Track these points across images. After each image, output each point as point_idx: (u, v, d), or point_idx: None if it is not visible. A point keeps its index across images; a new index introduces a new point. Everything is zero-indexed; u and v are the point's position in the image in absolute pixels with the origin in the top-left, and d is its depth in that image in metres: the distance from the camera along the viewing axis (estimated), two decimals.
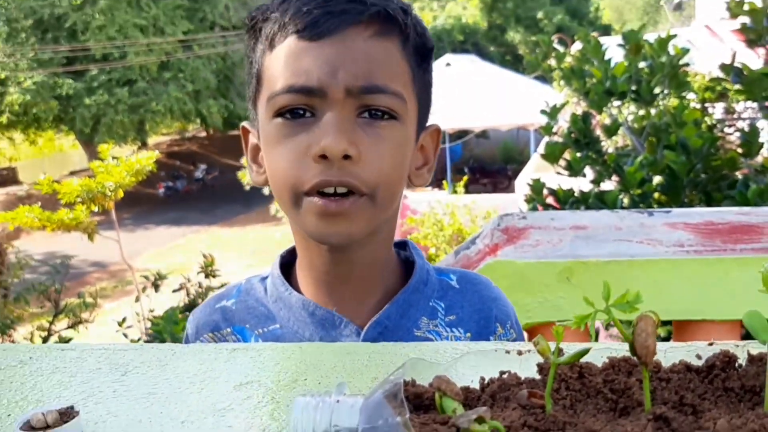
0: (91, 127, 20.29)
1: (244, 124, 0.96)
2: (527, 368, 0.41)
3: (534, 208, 3.59)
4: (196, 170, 21.33)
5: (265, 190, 13.81)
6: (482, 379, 0.42)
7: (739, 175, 3.44)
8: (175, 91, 20.24)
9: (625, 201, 3.42)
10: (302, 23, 0.79)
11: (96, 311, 6.85)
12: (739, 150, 3.50)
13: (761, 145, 3.51)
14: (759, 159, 3.47)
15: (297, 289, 0.91)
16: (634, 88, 3.91)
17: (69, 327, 6.10)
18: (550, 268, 1.26)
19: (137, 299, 6.62)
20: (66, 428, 0.54)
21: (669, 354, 0.42)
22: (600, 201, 3.41)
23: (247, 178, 13.85)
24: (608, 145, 4.27)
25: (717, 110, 4.25)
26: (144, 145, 23.04)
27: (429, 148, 0.94)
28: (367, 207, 0.80)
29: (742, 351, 0.41)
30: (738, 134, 3.50)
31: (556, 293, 1.27)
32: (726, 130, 3.84)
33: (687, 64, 4.18)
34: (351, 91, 0.78)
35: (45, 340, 5.69)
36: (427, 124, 0.93)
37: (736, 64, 3.50)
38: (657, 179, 3.45)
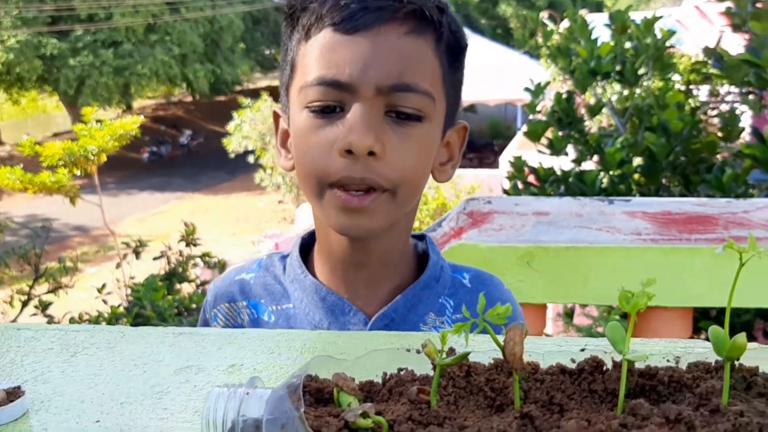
0: (75, 89, 20.02)
1: (276, 109, 0.97)
2: (428, 365, 0.44)
3: (515, 186, 3.62)
4: (181, 136, 21.14)
5: (250, 159, 13.77)
6: (384, 374, 0.45)
7: (719, 158, 3.48)
8: (161, 54, 19.97)
9: (605, 181, 3.45)
10: (339, 16, 0.80)
11: (77, 276, 6.84)
12: (720, 134, 3.53)
13: (741, 130, 3.54)
14: (739, 144, 3.50)
15: (313, 272, 0.94)
16: (618, 68, 3.90)
17: (49, 291, 6.09)
18: (511, 252, 1.28)
19: (118, 266, 6.62)
20: (11, 407, 0.56)
21: (547, 357, 0.45)
22: (580, 181, 3.44)
23: (232, 145, 13.79)
24: (591, 125, 4.28)
25: (702, 92, 4.26)
26: (129, 108, 22.79)
27: (455, 144, 0.95)
28: (387, 203, 0.82)
29: (609, 357, 0.43)
30: (719, 118, 3.53)
31: (516, 277, 1.29)
32: (710, 113, 3.86)
33: (672, 46, 4.18)
34: (381, 89, 0.79)
35: (24, 304, 5.68)
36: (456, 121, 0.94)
37: (719, 49, 3.51)
38: (637, 161, 3.48)
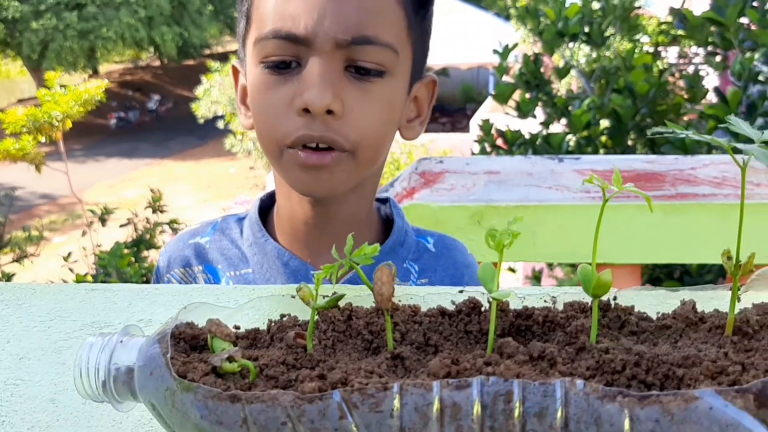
0: (39, 53, 19.49)
1: (235, 63, 0.92)
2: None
3: (483, 149, 3.61)
4: (149, 101, 20.76)
5: (220, 125, 13.60)
6: (269, 321, 0.43)
7: (685, 120, 3.50)
8: (126, 16, 19.47)
9: (572, 144, 3.46)
10: None
11: (44, 245, 6.73)
12: (686, 96, 3.55)
13: (706, 91, 3.55)
14: (703, 105, 3.52)
15: (273, 235, 0.90)
16: (586, 29, 3.88)
17: (14, 261, 6.00)
18: (463, 211, 1.28)
19: (84, 233, 6.53)
20: None
21: (428, 298, 0.44)
22: (547, 143, 3.44)
23: (201, 110, 13.58)
24: (559, 88, 4.28)
25: (672, 54, 4.26)
26: (95, 73, 22.27)
27: (423, 99, 0.91)
28: (348, 163, 0.78)
29: (486, 299, 0.43)
30: (684, 80, 3.54)
31: (467, 235, 1.29)
32: (677, 74, 3.87)
33: (640, 7, 4.16)
34: (339, 43, 0.74)
35: None
36: (424, 74, 0.89)
37: (684, 9, 3.50)
38: (604, 123, 3.49)
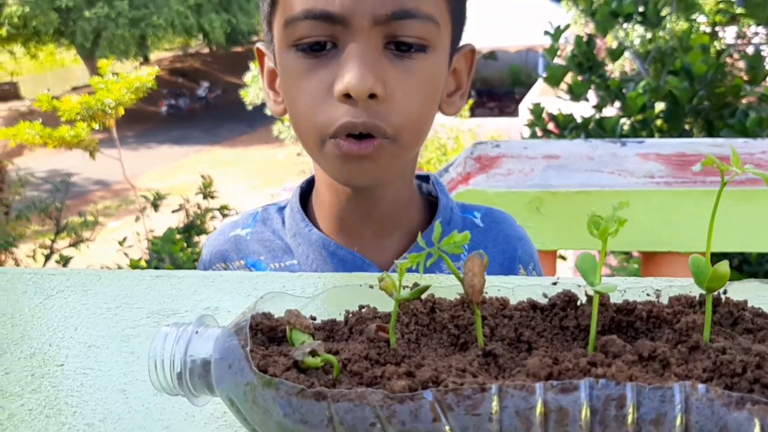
0: (92, 41, 19.92)
1: (259, 45, 0.87)
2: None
3: (534, 134, 3.55)
4: (198, 88, 21.06)
5: (268, 111, 13.69)
6: (347, 312, 0.41)
7: (744, 102, 3.36)
8: (176, 4, 19.73)
9: (626, 128, 3.36)
10: None
11: (99, 230, 6.91)
12: (745, 77, 3.41)
13: (767, 73, 3.41)
14: (764, 87, 3.38)
15: (315, 223, 0.86)
16: (641, 9, 3.76)
17: (71, 245, 6.17)
18: (520, 197, 1.24)
19: (137, 219, 6.67)
20: None
21: (517, 291, 0.41)
22: (600, 127, 3.35)
23: (249, 97, 13.70)
24: (613, 70, 4.16)
25: (729, 34, 4.10)
26: (146, 60, 22.68)
27: (462, 70, 0.85)
28: (391, 149, 0.74)
29: (583, 291, 0.39)
30: (744, 60, 3.40)
31: (524, 222, 1.25)
32: (735, 55, 3.72)
33: None
34: (378, 19, 0.69)
35: (47, 258, 5.76)
36: (461, 44, 0.84)
37: None
38: (659, 106, 3.38)
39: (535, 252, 0.94)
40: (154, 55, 24.92)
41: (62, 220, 6.33)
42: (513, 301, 0.41)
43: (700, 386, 0.28)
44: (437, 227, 0.38)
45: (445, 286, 0.42)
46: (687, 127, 3.51)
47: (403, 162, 0.79)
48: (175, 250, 4.55)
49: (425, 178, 0.93)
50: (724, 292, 0.38)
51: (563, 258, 4.46)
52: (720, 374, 0.31)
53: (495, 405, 0.29)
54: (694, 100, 3.28)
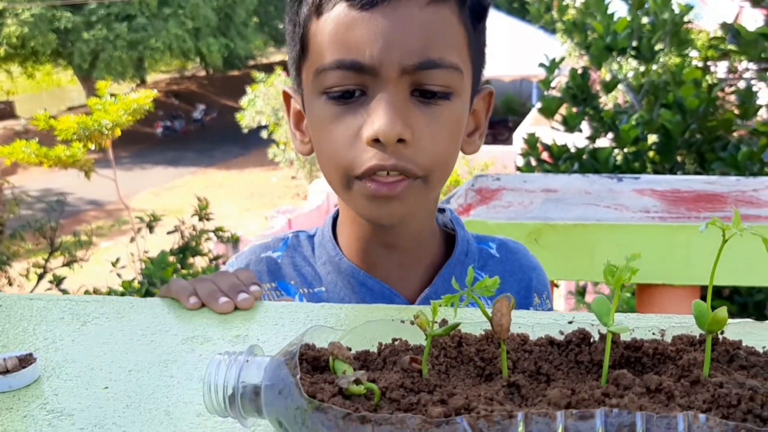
0: (90, 63, 20.04)
1: (286, 88, 0.91)
2: (421, 336, 0.45)
3: (528, 163, 3.60)
4: (194, 111, 21.17)
5: (263, 134, 13.77)
6: (380, 344, 0.46)
7: (735, 136, 3.43)
8: (174, 27, 19.91)
9: (619, 159, 3.42)
10: None
11: (92, 250, 6.89)
12: (736, 111, 3.48)
13: (758, 108, 3.48)
14: (755, 121, 3.45)
15: (342, 253, 0.90)
16: (635, 44, 3.84)
17: (64, 265, 6.15)
18: (519, 229, 1.28)
19: (132, 240, 6.67)
20: (23, 373, 0.57)
21: (537, 329, 0.46)
22: (593, 158, 3.41)
23: (245, 120, 13.78)
24: (606, 102, 4.24)
25: (721, 69, 4.19)
26: (143, 82, 22.80)
27: (481, 111, 0.90)
28: (419, 189, 0.78)
29: (596, 330, 0.44)
30: (735, 95, 3.47)
31: None
32: (727, 90, 3.80)
33: (690, 21, 4.09)
34: (405, 69, 0.74)
35: (40, 277, 5.75)
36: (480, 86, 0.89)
37: (736, 24, 3.45)
38: (652, 138, 3.44)
39: (548, 281, 0.98)
40: (150, 77, 25.04)
41: (56, 240, 6.31)
42: (533, 337, 0.46)
43: (701, 416, 0.33)
44: (470, 272, 0.42)
45: (471, 322, 0.46)
46: (679, 159, 3.58)
47: (428, 200, 0.84)
48: (167, 275, 4.53)
49: (440, 210, 0.97)
50: (722, 333, 0.43)
51: (556, 285, 4.49)
52: (718, 405, 0.36)
53: (521, 430, 0.34)
54: (686, 133, 3.35)
